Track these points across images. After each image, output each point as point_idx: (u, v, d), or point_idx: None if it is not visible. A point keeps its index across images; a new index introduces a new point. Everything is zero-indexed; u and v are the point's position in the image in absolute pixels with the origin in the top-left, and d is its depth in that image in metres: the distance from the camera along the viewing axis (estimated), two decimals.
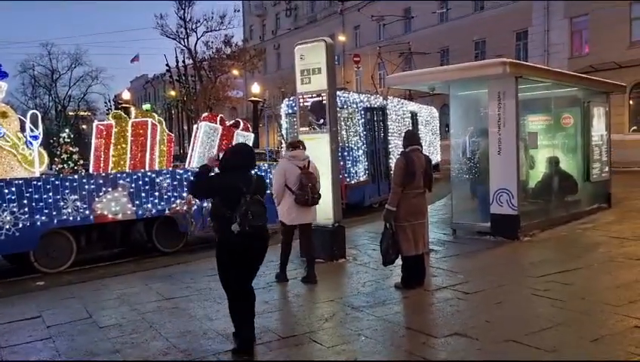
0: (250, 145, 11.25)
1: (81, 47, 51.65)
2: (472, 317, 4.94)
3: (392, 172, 13.16)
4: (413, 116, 17.36)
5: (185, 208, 9.30)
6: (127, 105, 29.72)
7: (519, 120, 8.43)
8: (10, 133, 8.46)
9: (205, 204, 9.54)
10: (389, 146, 14.49)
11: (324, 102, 7.57)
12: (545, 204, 9.82)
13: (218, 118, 10.81)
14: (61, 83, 51.86)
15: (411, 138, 6.16)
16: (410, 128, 15.57)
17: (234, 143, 10.82)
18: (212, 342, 4.60)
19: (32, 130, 8.60)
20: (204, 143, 10.52)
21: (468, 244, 8.33)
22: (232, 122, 11.27)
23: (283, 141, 14.13)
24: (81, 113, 50.27)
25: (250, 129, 11.82)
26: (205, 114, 11.81)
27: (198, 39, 35.42)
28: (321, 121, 7.61)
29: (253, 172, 4.38)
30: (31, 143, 8.58)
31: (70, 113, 49.65)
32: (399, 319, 5.07)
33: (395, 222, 5.83)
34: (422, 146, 6.24)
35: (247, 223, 4.02)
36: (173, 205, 9.19)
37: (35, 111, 9.02)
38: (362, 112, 13.38)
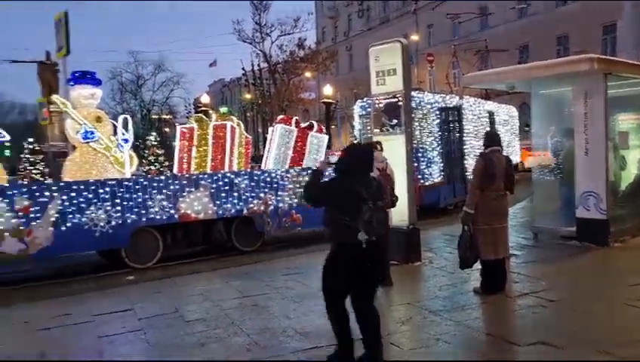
0: (324, 146, 11.41)
1: (164, 54, 54.64)
2: (557, 326, 4.74)
3: (468, 173, 12.79)
4: (491, 115, 16.83)
5: (262, 208, 9.56)
6: (206, 109, 30.93)
7: (608, 119, 7.97)
8: (104, 137, 9.07)
9: (281, 205, 9.78)
10: (465, 147, 14.15)
11: (399, 103, 7.52)
12: (637, 208, 9.21)
13: (293, 121, 11.02)
14: (145, 88, 54.95)
15: (491, 138, 5.99)
16: (488, 128, 15.11)
17: (307, 145, 10.99)
18: (291, 340, 4.70)
19: (123, 134, 9.17)
20: (280, 145, 10.76)
21: (551, 249, 7.98)
22: (306, 124, 11.45)
23: (356, 143, 14.15)
24: (164, 116, 52.84)
25: (324, 131, 11.95)
26: (281, 116, 12.07)
27: (272, 43, 36.25)
28: (395, 121, 7.57)
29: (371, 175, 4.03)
30: (122, 146, 9.14)
31: (153, 117, 52.28)
32: (479, 325, 4.96)
33: (473, 225, 5.69)
34: (502, 147, 6.05)
35: (372, 232, 3.67)
36: (251, 205, 9.48)
37: (126, 115, 9.61)
38: (437, 113, 13.16)
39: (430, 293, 6.01)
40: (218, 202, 9.15)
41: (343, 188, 3.82)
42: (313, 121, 11.51)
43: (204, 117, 10.32)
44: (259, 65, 36.71)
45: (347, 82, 42.87)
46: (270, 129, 11.47)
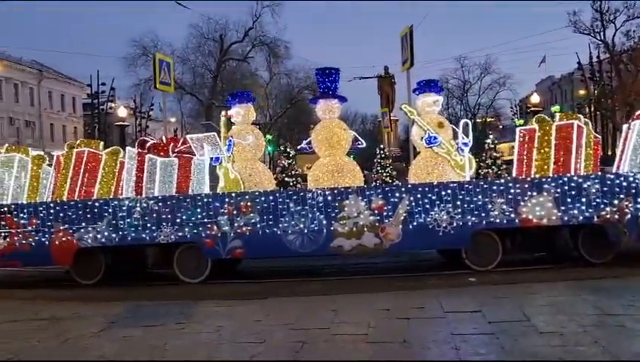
0: None
1: (491, 57, 54.05)
2: None
3: None
4: None
5: (617, 216, 8.43)
6: (537, 109, 29.35)
7: None
8: (445, 141, 9.47)
9: None
10: None
11: None
12: None
13: None
14: (471, 92, 55.61)
15: None
16: None
17: None
18: None
19: (463, 138, 9.40)
20: (638, 144, 9.30)
21: None
22: None
23: None
24: (489, 119, 52.57)
25: None
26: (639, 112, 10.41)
27: (616, 30, 31.89)
28: None
29: None
30: (462, 150, 9.37)
31: (478, 120, 52.49)
32: None
33: None
34: None
35: None
36: (603, 212, 8.46)
37: (467, 120, 9.84)
38: None
39: None
40: (563, 208, 8.47)
41: None
42: None
43: (545, 117, 9.72)
44: (598, 56, 32.87)
45: None
46: (624, 126, 10.05)
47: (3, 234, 8.82)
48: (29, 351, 5.24)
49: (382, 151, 19.59)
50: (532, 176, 8.88)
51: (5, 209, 8.91)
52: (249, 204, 8.65)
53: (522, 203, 8.51)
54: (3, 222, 8.84)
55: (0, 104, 49.37)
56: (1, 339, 5.70)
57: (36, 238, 8.81)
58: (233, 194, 8.80)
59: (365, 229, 8.57)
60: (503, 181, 8.87)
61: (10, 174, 9.30)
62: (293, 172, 17.56)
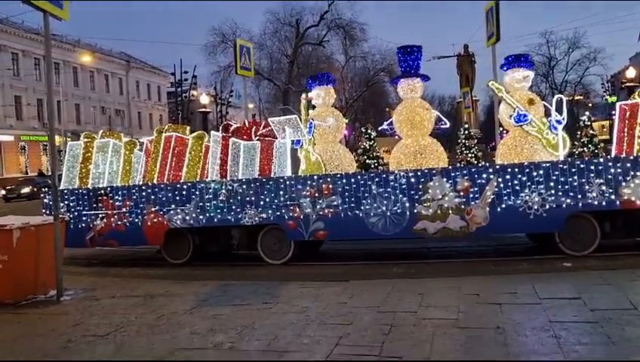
0: None
1: (579, 31, 49.95)
2: None
3: None
4: None
5: None
6: (633, 84, 27.18)
7: None
8: (536, 119, 8.94)
9: None
10: None
11: None
12: None
13: None
14: (557, 69, 52.43)
15: None
16: None
17: None
18: None
19: (556, 115, 8.82)
20: None
21: None
22: None
23: None
24: (576, 98, 49.40)
25: None
26: None
27: None
28: None
29: None
30: (555, 128, 8.82)
31: (565, 98, 49.52)
32: None
33: None
34: None
35: None
36: None
37: (560, 96, 9.22)
38: None
39: None
40: None
41: None
42: None
43: None
44: None
45: None
46: None
47: (100, 216, 9.38)
48: (128, 325, 5.52)
49: (466, 132, 18.93)
50: (636, 155, 8.19)
51: (102, 191, 9.45)
52: (331, 186, 8.61)
53: (624, 183, 7.88)
54: (100, 204, 9.39)
55: (93, 94, 52.77)
56: (103, 314, 6.05)
57: (130, 219, 9.28)
58: (315, 177, 8.79)
59: (450, 212, 8.28)
60: (602, 160, 8.22)
61: (105, 158, 9.83)
62: (374, 154, 17.38)
